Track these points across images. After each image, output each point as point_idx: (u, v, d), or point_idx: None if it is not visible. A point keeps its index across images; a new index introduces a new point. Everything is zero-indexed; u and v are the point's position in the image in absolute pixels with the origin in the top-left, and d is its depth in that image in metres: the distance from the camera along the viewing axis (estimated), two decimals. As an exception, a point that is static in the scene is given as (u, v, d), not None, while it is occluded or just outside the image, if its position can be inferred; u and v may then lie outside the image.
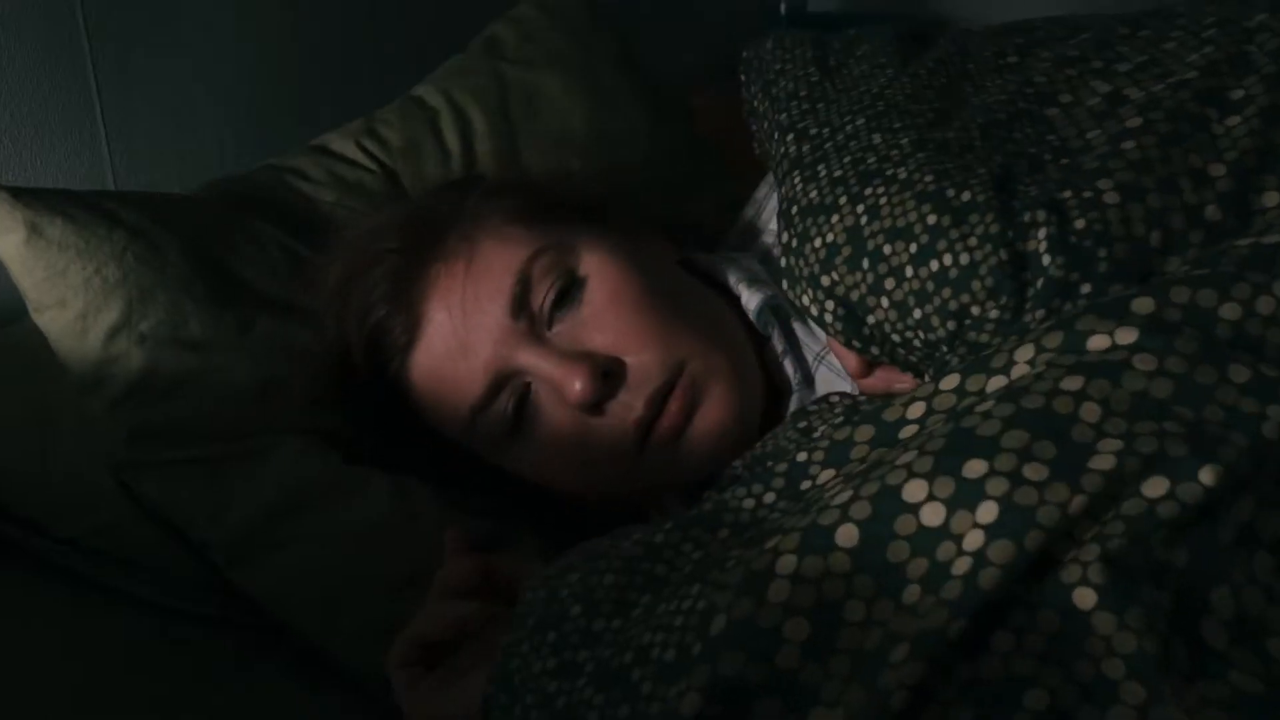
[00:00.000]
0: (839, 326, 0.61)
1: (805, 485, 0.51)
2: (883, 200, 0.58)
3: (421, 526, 0.72)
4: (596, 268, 0.71)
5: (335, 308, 0.74)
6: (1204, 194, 0.53)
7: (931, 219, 0.56)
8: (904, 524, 0.43)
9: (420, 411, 0.73)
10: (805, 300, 0.62)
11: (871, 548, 0.43)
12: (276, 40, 1.06)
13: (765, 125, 0.74)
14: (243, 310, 0.74)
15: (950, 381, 0.49)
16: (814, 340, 0.74)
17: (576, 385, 0.66)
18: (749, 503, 0.53)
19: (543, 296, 0.69)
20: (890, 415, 0.50)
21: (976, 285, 0.54)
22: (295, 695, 0.73)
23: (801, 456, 0.52)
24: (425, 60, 0.97)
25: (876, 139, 0.62)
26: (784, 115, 0.70)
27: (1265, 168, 0.53)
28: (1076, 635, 0.41)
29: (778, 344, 0.74)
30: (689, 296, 0.75)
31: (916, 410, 0.49)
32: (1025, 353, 0.47)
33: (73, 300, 0.71)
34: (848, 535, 0.43)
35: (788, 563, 0.43)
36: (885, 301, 0.57)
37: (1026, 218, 0.54)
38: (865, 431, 0.50)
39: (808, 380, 0.73)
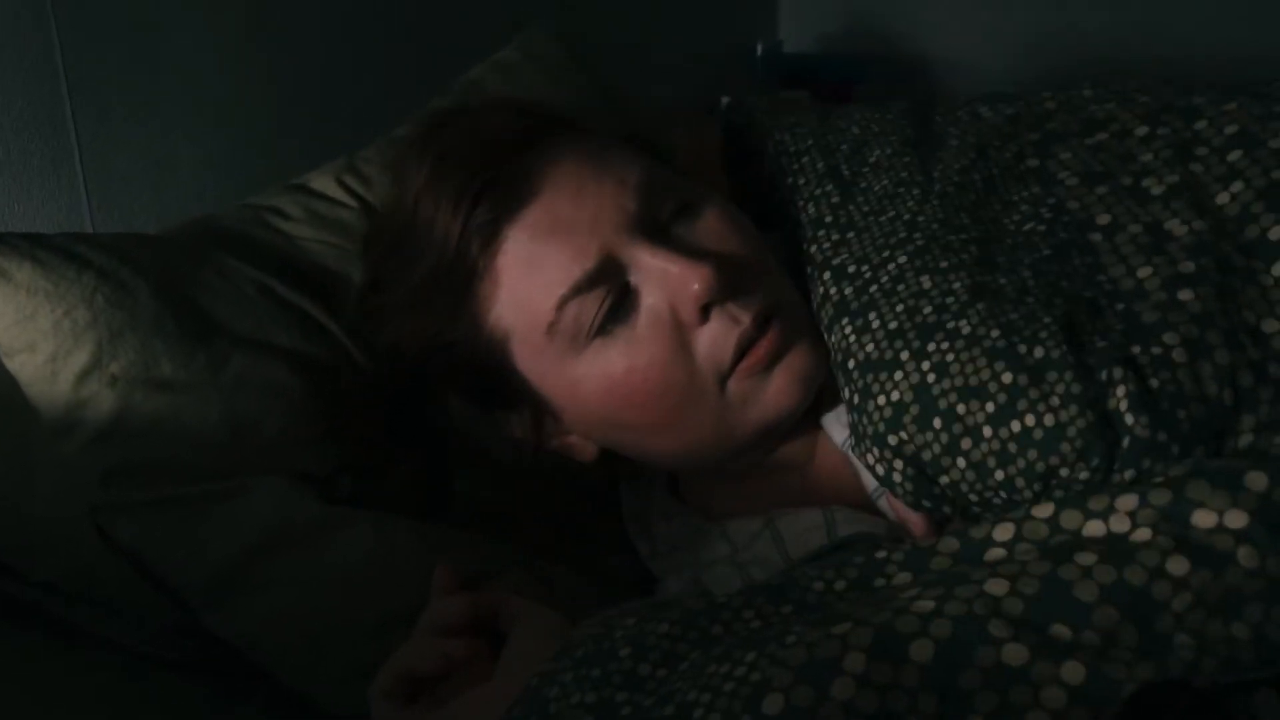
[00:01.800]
0: (909, 487, 0.58)
1: (879, 583, 0.49)
2: (949, 357, 0.56)
3: (403, 566, 0.69)
4: (709, 198, 0.68)
5: (426, 173, 0.67)
6: (1265, 349, 0.51)
7: (1007, 378, 0.53)
8: (984, 656, 0.41)
9: (494, 300, 0.66)
10: (870, 459, 0.59)
11: (944, 669, 0.41)
12: (256, 87, 1.05)
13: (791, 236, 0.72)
14: (216, 349, 0.71)
15: (1044, 510, 0.46)
16: None
17: (698, 283, 0.62)
18: (818, 585, 0.50)
19: (662, 203, 0.66)
20: (977, 534, 0.48)
21: (1065, 447, 0.51)
22: (275, 739, 0.69)
23: (880, 554, 0.49)
24: (406, 105, 0.95)
25: (925, 282, 0.59)
26: (814, 248, 0.67)
27: None
28: None
29: None
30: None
31: (1004, 533, 0.47)
32: (1127, 503, 0.45)
33: (43, 344, 0.68)
34: (922, 651, 0.42)
35: (856, 661, 0.42)
36: (962, 462, 0.55)
37: (1104, 375, 0.51)
38: (949, 544, 0.48)
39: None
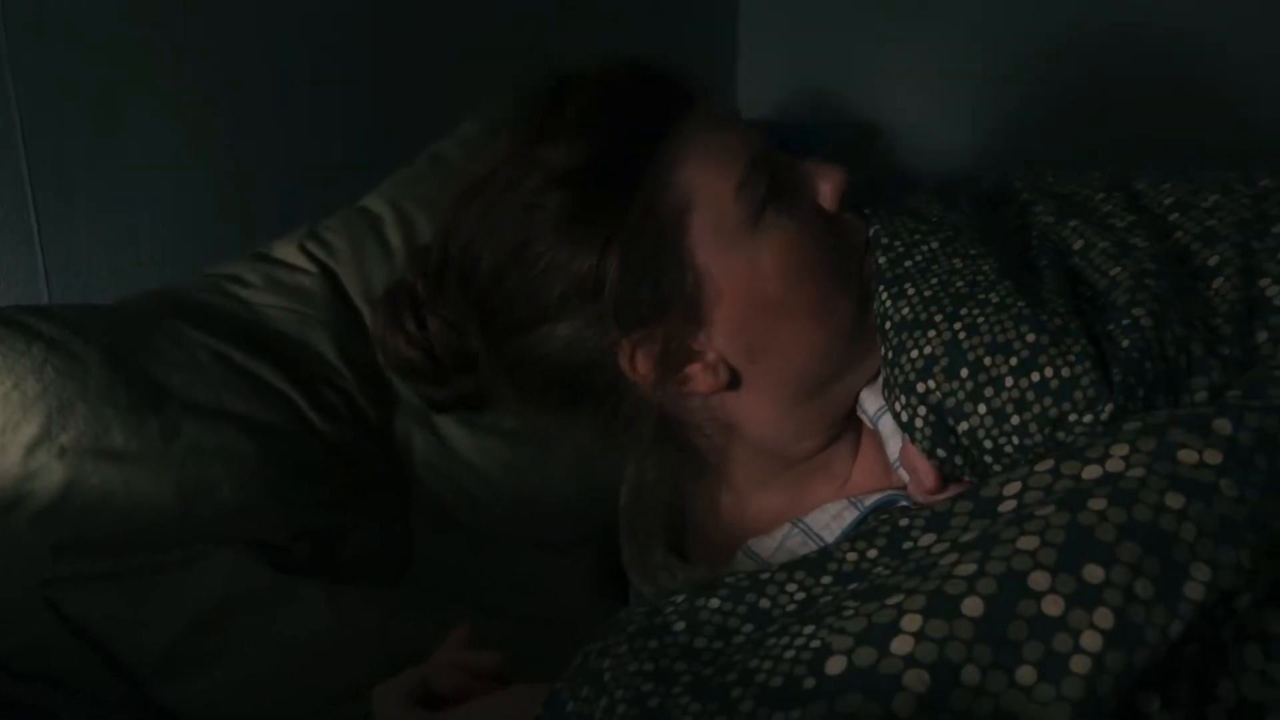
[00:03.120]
0: (928, 432, 0.62)
1: (907, 545, 0.53)
2: (980, 320, 0.62)
3: (358, 636, 0.67)
4: None
5: (599, 70, 0.66)
6: (1214, 335, 0.59)
7: (1030, 338, 0.59)
8: (1025, 607, 0.45)
9: (676, 171, 0.64)
10: (898, 406, 0.64)
11: (993, 621, 0.45)
12: (217, 162, 1.03)
13: None
14: (168, 418, 0.69)
15: (1045, 465, 0.51)
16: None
17: (839, 175, 0.67)
18: (852, 555, 0.54)
19: None
20: (987, 492, 0.52)
21: (1078, 395, 0.57)
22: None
23: (903, 523, 0.54)
24: (368, 178, 0.94)
25: (957, 263, 0.66)
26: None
27: (1253, 315, 0.60)
28: None
29: None
30: None
31: (1013, 489, 0.51)
32: (1120, 449, 0.50)
33: (-9, 416, 0.66)
34: (973, 606, 0.45)
35: (912, 621, 0.45)
36: (983, 408, 0.60)
37: (1102, 346, 0.59)
38: (963, 505, 0.52)
39: None
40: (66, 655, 0.67)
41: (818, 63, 1.80)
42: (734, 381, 0.68)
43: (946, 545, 0.49)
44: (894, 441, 0.68)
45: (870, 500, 0.69)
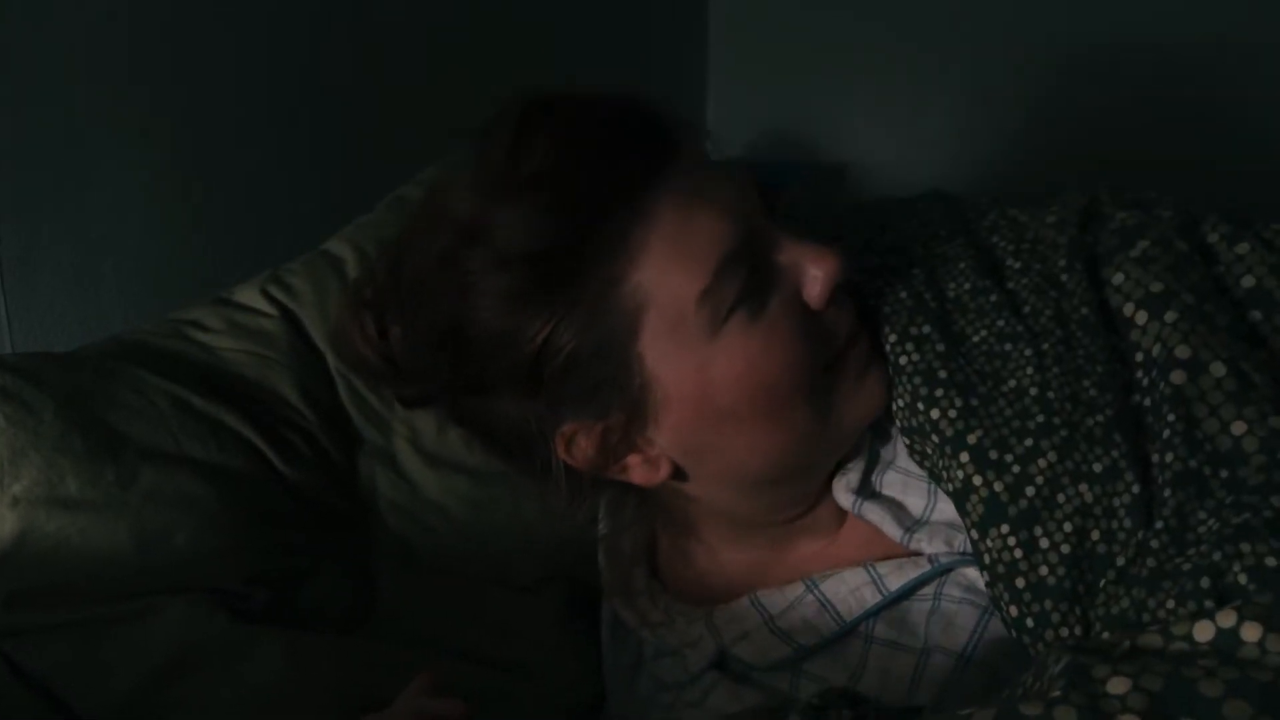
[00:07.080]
0: None
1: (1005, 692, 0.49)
2: (1114, 595, 0.56)
3: (316, 687, 0.65)
4: None
5: (560, 134, 0.59)
6: None
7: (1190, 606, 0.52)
8: None
9: (635, 267, 0.58)
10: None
11: None
12: (185, 209, 1.03)
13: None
14: (125, 465, 0.67)
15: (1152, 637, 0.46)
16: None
17: (832, 264, 0.61)
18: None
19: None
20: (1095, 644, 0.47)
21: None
22: None
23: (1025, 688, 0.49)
24: (334, 222, 0.94)
25: (1087, 494, 0.58)
26: (935, 410, 0.63)
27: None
28: None
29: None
30: None
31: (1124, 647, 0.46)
32: (1227, 616, 0.44)
33: (-58, 468, 0.64)
34: None
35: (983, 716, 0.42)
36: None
37: (1218, 555, 0.51)
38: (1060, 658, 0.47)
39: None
40: (24, 710, 0.65)
41: (787, 102, 1.82)
42: (679, 474, 0.65)
43: (1042, 682, 0.45)
44: (888, 523, 0.66)
45: (894, 583, 0.66)
